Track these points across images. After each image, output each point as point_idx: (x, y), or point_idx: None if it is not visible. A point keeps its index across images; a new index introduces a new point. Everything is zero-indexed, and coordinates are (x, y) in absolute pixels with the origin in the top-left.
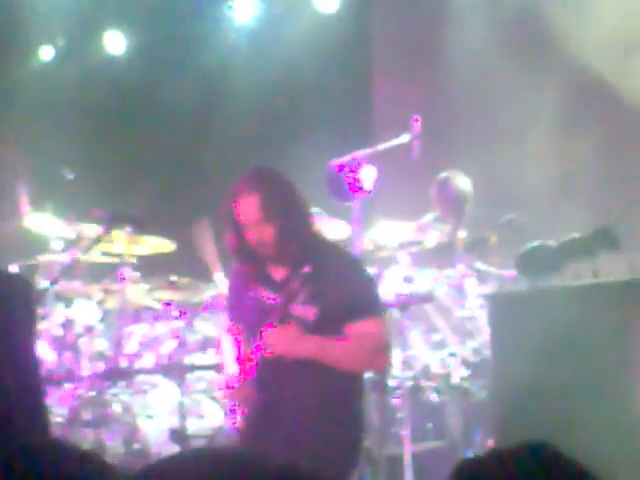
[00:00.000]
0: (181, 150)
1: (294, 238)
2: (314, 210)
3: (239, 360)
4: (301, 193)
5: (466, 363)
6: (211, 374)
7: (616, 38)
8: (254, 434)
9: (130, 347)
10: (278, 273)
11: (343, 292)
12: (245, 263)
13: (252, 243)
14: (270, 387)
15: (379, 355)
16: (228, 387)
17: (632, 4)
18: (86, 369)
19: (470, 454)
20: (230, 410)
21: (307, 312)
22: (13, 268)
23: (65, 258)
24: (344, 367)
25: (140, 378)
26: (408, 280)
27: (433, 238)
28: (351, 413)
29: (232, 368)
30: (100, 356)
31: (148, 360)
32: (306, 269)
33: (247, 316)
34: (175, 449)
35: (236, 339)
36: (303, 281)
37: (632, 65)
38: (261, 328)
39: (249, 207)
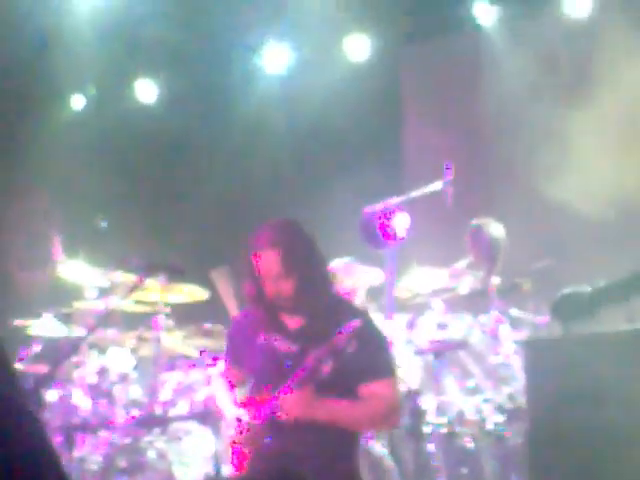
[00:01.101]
0: (214, 197)
1: (312, 293)
2: (346, 259)
3: (236, 404)
4: (320, 247)
5: (500, 409)
6: None
7: None
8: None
9: (164, 394)
10: (292, 322)
11: (358, 351)
12: (260, 312)
13: (270, 294)
14: (278, 435)
15: (390, 416)
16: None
17: None
18: (121, 416)
19: None
20: (234, 453)
21: (325, 368)
22: (48, 316)
23: (99, 306)
24: (356, 428)
25: (175, 425)
26: (442, 327)
27: (467, 284)
28: (351, 463)
29: (231, 411)
30: (135, 404)
31: (182, 407)
32: (333, 341)
33: (255, 361)
34: None
35: (230, 383)
36: (329, 350)
37: None
38: (272, 377)
39: (270, 261)
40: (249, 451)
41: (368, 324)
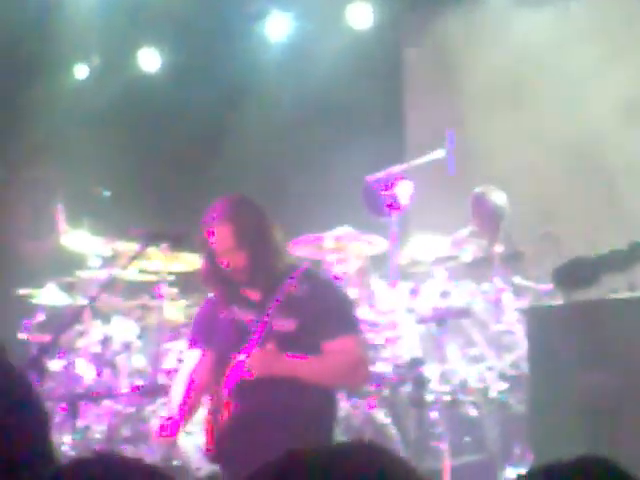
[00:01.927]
0: (216, 166)
1: (266, 264)
2: (346, 227)
3: (196, 384)
4: (272, 220)
5: (504, 377)
6: None
7: None
8: (228, 445)
9: (168, 363)
10: (253, 295)
11: (319, 310)
12: (218, 287)
13: (225, 269)
14: (247, 400)
15: (355, 371)
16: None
17: None
18: (124, 386)
19: (509, 468)
20: (205, 433)
21: (288, 325)
22: (51, 285)
23: (103, 275)
24: (321, 383)
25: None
26: (445, 295)
27: (469, 253)
28: (322, 425)
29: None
30: (138, 373)
31: None
32: (285, 288)
33: (222, 338)
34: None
35: (198, 371)
36: (283, 298)
37: None
38: (239, 347)
39: (222, 235)
40: (216, 422)
41: (327, 284)
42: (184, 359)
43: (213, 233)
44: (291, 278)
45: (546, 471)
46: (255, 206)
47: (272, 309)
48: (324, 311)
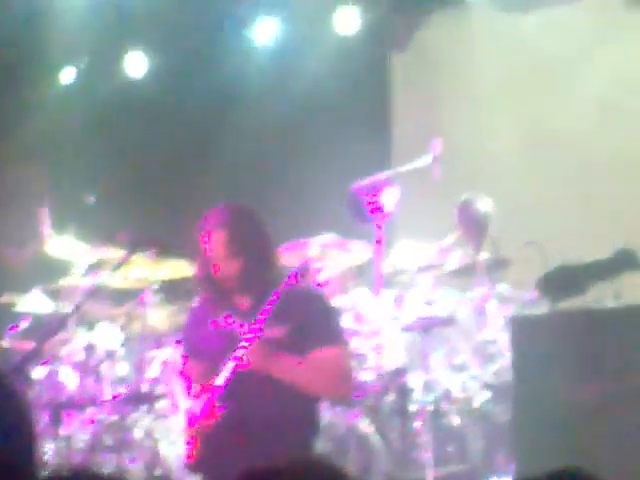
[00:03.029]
0: (203, 172)
1: (258, 273)
2: (331, 235)
3: (192, 396)
4: (268, 229)
5: (487, 386)
6: None
7: None
8: (211, 454)
9: (152, 372)
10: (244, 302)
11: (306, 320)
12: (210, 294)
13: (218, 275)
14: (235, 404)
15: (340, 382)
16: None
17: None
18: (108, 394)
19: (492, 478)
20: (187, 443)
21: (278, 332)
22: (35, 292)
23: (87, 282)
24: (308, 389)
25: (162, 403)
26: (429, 303)
27: (455, 260)
28: (306, 434)
29: (184, 404)
30: (122, 381)
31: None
32: (274, 297)
33: (210, 346)
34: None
35: (188, 378)
36: (273, 306)
37: None
38: (228, 355)
39: (216, 242)
40: (200, 431)
41: (316, 297)
42: (177, 372)
43: (208, 239)
44: (281, 287)
45: None
46: (253, 215)
47: (263, 316)
48: (311, 321)
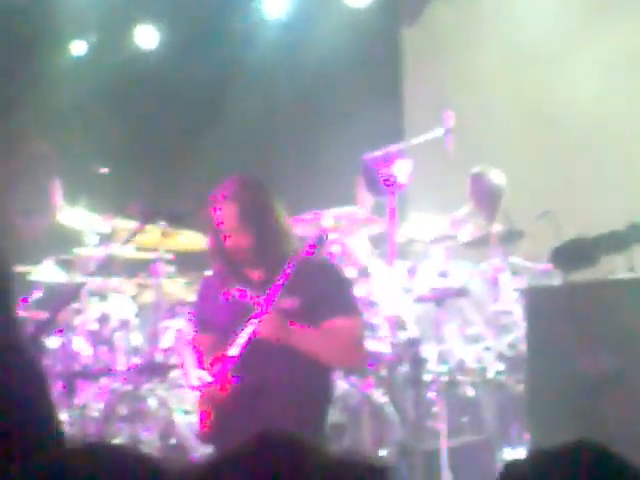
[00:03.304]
0: (214, 143)
1: (269, 244)
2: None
3: (205, 367)
4: (278, 201)
5: (501, 357)
6: None
7: None
8: (224, 424)
9: (165, 342)
10: (255, 275)
11: (320, 290)
12: (222, 266)
13: (229, 248)
14: (249, 373)
15: (352, 352)
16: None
17: None
18: (122, 364)
19: (506, 448)
20: (200, 413)
21: (292, 303)
22: (48, 263)
23: (100, 253)
24: (322, 357)
25: (176, 373)
26: (443, 274)
27: (467, 232)
28: (319, 404)
29: (194, 373)
30: (135, 351)
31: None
32: (289, 268)
33: (221, 317)
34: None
35: (198, 349)
36: (287, 278)
37: None
38: (240, 326)
39: (227, 215)
40: (213, 401)
41: (328, 267)
42: (187, 342)
43: (219, 212)
44: (296, 258)
45: (534, 458)
46: (262, 187)
47: (276, 288)
48: (324, 292)
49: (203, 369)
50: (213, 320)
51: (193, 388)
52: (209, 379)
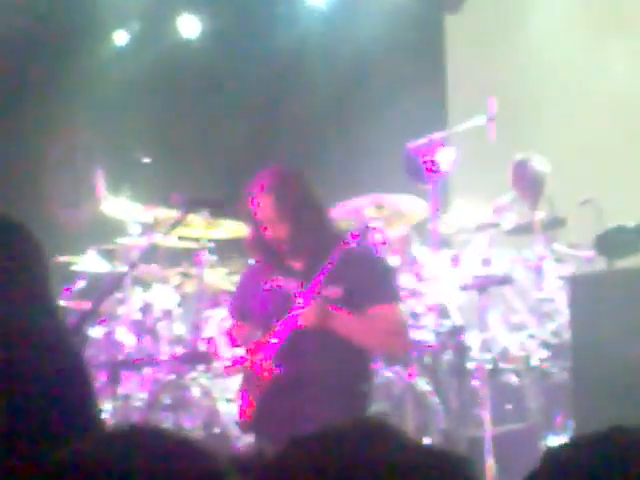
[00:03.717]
0: (258, 133)
1: (308, 235)
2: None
3: (247, 355)
4: (316, 191)
5: (545, 345)
6: None
7: None
8: (266, 413)
9: (208, 331)
10: (297, 264)
11: (363, 278)
12: (263, 256)
13: (269, 239)
14: (290, 363)
15: (396, 338)
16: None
17: None
18: (165, 353)
19: (550, 436)
20: (241, 402)
21: (335, 292)
22: (91, 252)
23: (143, 242)
24: (365, 344)
25: (219, 362)
26: (486, 262)
27: (511, 220)
28: (360, 394)
29: (230, 352)
30: (179, 340)
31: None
32: (333, 258)
33: (264, 306)
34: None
35: (234, 339)
36: (329, 267)
37: None
38: (281, 315)
39: (265, 206)
40: (254, 390)
41: (370, 255)
42: (226, 329)
43: (257, 203)
44: (336, 248)
45: (575, 444)
46: (299, 178)
47: (319, 277)
48: (367, 281)
49: (246, 358)
50: (254, 309)
51: (227, 370)
52: (251, 369)
